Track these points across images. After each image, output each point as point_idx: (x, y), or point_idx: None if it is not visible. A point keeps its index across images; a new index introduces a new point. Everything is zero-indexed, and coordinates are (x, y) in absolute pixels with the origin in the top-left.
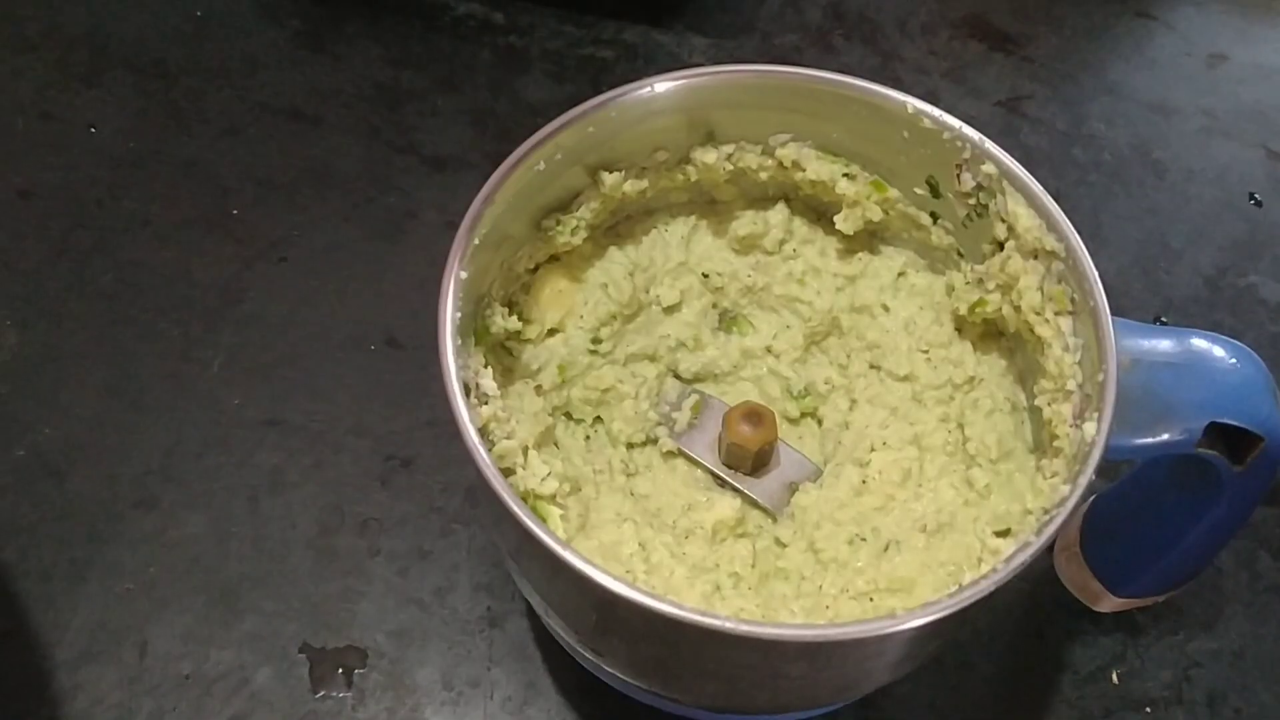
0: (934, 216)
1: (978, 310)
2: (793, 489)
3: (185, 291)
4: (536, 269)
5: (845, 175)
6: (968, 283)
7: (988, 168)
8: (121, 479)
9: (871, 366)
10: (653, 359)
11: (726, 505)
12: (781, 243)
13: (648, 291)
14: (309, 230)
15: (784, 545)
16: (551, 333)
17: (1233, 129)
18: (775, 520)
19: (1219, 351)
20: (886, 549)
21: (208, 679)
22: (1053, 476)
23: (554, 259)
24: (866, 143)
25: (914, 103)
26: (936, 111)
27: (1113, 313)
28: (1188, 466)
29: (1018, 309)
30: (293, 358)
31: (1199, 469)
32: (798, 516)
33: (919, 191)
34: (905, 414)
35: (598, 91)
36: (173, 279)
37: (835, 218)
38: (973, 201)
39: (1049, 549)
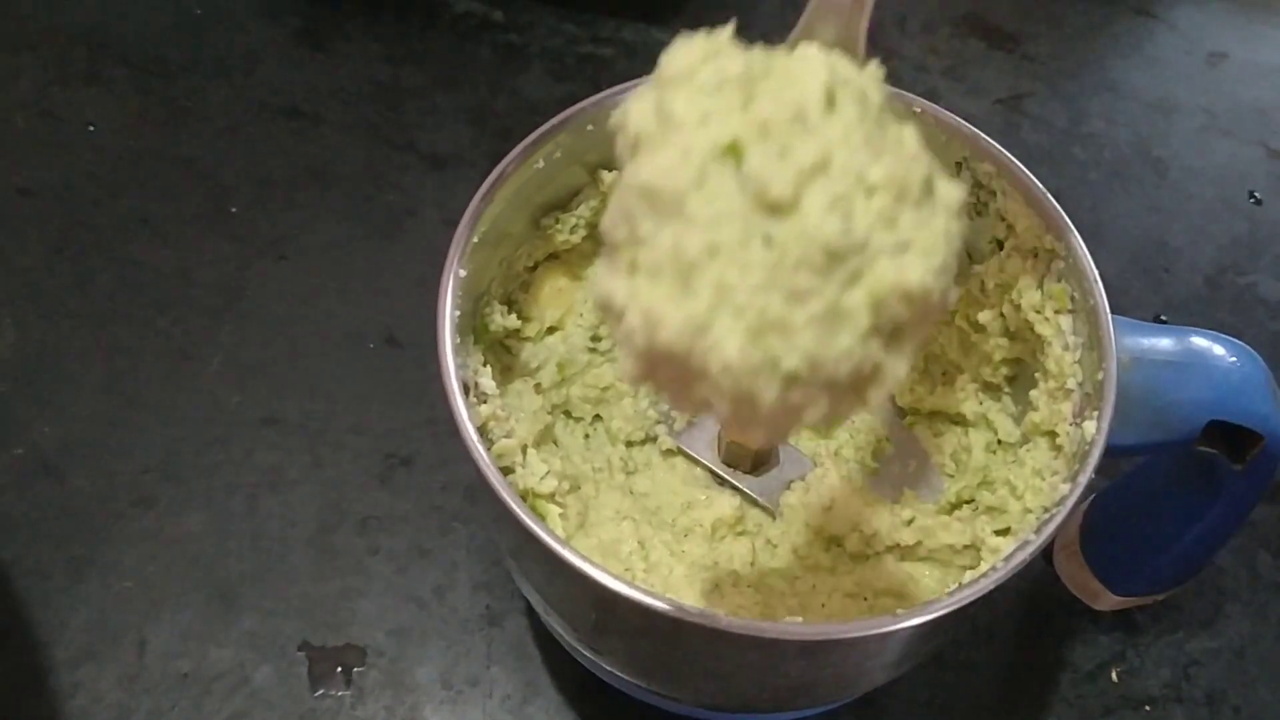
0: None
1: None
2: (791, 487)
3: (184, 290)
4: (536, 267)
5: None
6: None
7: (987, 166)
8: (120, 477)
9: None
10: None
11: (725, 503)
12: None
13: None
14: (308, 228)
15: (775, 545)
16: (551, 331)
17: (1233, 127)
18: (774, 518)
19: (1219, 350)
20: (868, 559)
21: (207, 677)
22: (1052, 475)
23: (553, 257)
24: None
25: (914, 100)
26: (936, 109)
27: (1112, 311)
28: (1187, 465)
29: (1017, 308)
30: (292, 356)
31: (1199, 467)
32: (787, 515)
33: None
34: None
35: (597, 89)
36: (171, 277)
37: None
38: (972, 200)
39: (1049, 547)
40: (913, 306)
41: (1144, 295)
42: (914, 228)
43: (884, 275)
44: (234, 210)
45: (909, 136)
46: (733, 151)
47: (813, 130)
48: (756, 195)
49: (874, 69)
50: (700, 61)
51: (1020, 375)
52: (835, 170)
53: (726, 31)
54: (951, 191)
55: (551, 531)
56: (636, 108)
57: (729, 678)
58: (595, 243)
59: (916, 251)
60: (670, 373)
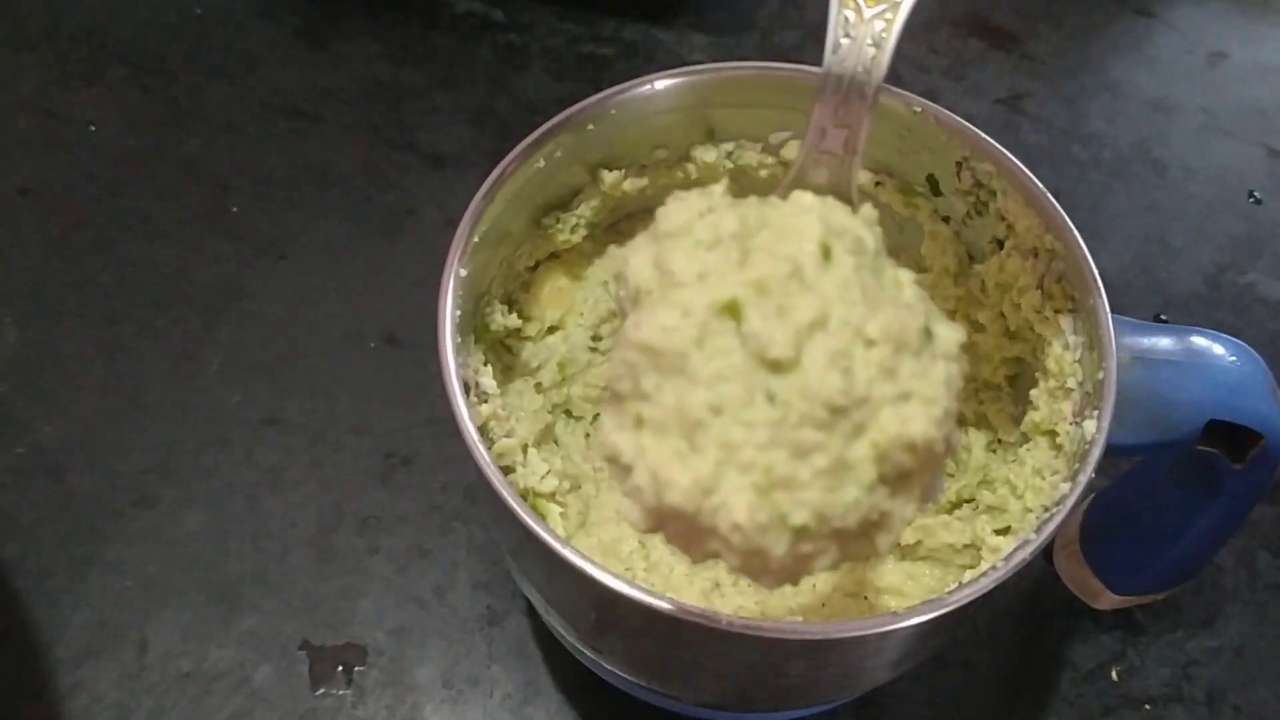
0: (946, 220)
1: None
2: None
3: (185, 289)
4: (536, 266)
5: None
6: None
7: (987, 166)
8: (121, 477)
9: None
10: None
11: None
12: None
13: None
14: (308, 228)
15: None
16: (551, 330)
17: (1232, 127)
18: None
19: (1219, 349)
20: (869, 559)
21: (207, 677)
22: (1053, 475)
23: (554, 257)
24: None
25: (914, 100)
26: (936, 109)
27: (1112, 311)
28: (1187, 464)
29: (1017, 307)
30: (292, 356)
31: (1199, 467)
32: None
33: (919, 189)
34: None
35: (598, 89)
36: (172, 277)
37: None
38: (972, 199)
39: (1049, 547)
40: (916, 455)
41: (1144, 295)
42: (914, 377)
43: (887, 427)
44: (234, 210)
45: (906, 281)
46: (732, 310)
47: (810, 286)
48: (757, 354)
49: (867, 211)
50: (696, 216)
51: (1020, 375)
52: (834, 325)
53: (720, 187)
54: (950, 335)
55: (552, 531)
56: (635, 261)
57: (729, 677)
58: (596, 242)
59: (918, 401)
60: (679, 528)
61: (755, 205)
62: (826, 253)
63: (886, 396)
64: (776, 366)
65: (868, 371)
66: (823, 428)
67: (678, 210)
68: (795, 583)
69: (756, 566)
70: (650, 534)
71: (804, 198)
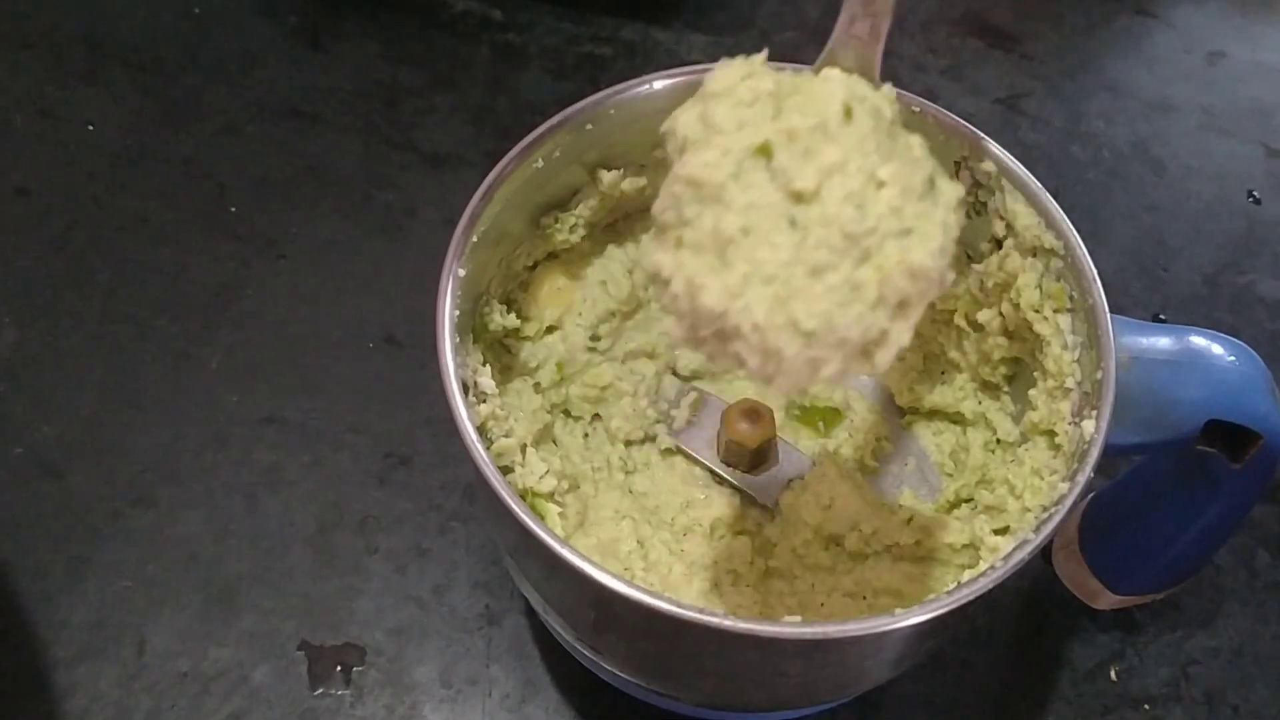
0: None
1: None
2: (790, 486)
3: (183, 289)
4: (535, 266)
5: None
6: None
7: (986, 165)
8: (119, 477)
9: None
10: (651, 356)
11: (724, 502)
12: None
13: (646, 289)
14: (307, 228)
15: (774, 544)
16: (550, 330)
17: (1231, 126)
18: (773, 517)
19: (1217, 349)
20: (868, 559)
21: (206, 677)
22: (1051, 474)
23: (552, 256)
24: None
25: (913, 100)
26: (935, 109)
27: (1111, 310)
28: (1186, 464)
29: (1016, 307)
30: (291, 355)
31: (1197, 467)
32: (786, 514)
33: None
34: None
35: (596, 89)
36: (170, 277)
37: None
38: (971, 199)
39: (1048, 547)
40: (915, 282)
41: (1143, 294)
42: (917, 217)
43: (891, 254)
44: (233, 210)
45: (916, 144)
46: (764, 151)
47: (833, 137)
48: (784, 186)
49: (888, 90)
50: (739, 80)
51: (1019, 374)
52: (851, 169)
53: (761, 56)
54: (951, 189)
55: (550, 530)
56: (684, 117)
57: (728, 677)
58: (594, 242)
59: (918, 236)
60: (709, 331)
61: (790, 75)
62: (848, 113)
63: (892, 230)
64: (800, 197)
65: (878, 208)
66: (836, 251)
67: (723, 74)
68: (804, 390)
69: (771, 368)
70: (685, 345)
71: (832, 72)
